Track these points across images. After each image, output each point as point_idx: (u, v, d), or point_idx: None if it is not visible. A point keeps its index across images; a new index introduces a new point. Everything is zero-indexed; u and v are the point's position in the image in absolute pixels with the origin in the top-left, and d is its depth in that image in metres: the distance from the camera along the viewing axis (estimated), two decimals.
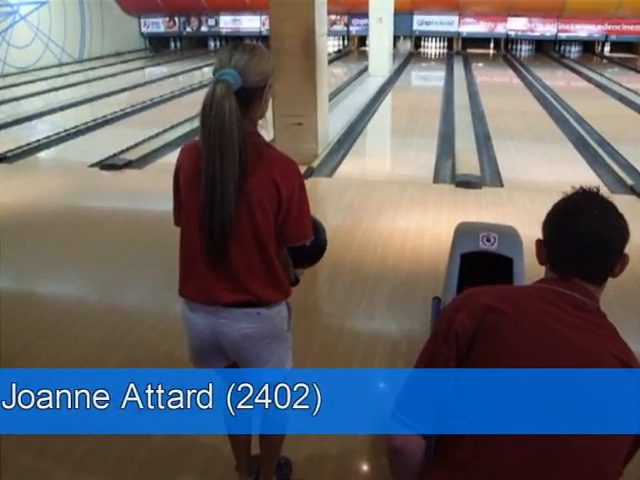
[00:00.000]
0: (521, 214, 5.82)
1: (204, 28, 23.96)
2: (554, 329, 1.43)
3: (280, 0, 7.25)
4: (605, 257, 1.49)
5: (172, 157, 9.40)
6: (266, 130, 2.11)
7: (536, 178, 7.11)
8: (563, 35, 21.72)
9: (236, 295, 2.06)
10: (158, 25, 23.91)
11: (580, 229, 1.48)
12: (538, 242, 1.60)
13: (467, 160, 7.60)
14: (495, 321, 1.46)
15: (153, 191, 6.84)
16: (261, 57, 2.00)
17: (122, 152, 8.28)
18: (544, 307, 1.47)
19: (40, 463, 2.89)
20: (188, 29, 24.03)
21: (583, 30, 21.61)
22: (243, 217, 1.98)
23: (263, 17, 21.81)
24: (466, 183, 6.74)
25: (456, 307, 1.55)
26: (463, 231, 3.29)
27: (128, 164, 7.73)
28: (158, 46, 23.86)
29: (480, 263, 3.06)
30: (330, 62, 17.11)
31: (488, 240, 3.12)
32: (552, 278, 1.55)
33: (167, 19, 23.84)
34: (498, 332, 1.45)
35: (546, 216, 1.57)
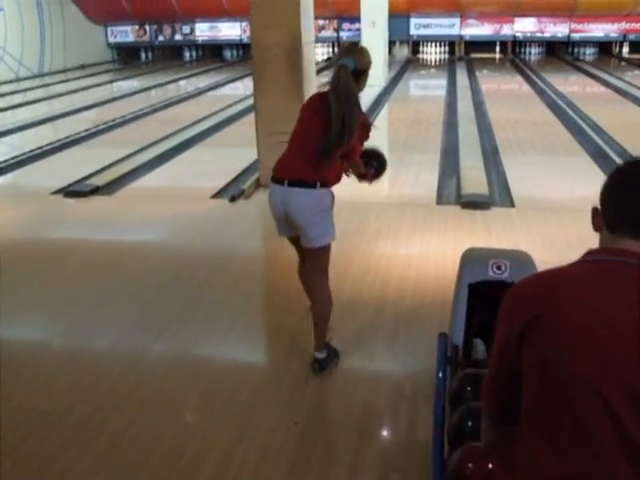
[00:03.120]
0: (535, 237, 5.87)
1: (178, 37, 24.16)
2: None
3: (262, 5, 7.35)
4: None
5: (145, 181, 9.50)
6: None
7: (551, 196, 7.18)
8: (577, 36, 21.97)
9: (299, 177, 3.67)
10: (127, 34, 24.10)
11: (631, 187, 1.69)
12: (594, 209, 1.78)
13: (473, 178, 7.67)
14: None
15: (124, 220, 6.86)
16: (364, 51, 3.79)
17: (89, 177, 8.32)
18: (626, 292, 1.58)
19: None
20: (160, 38, 24.23)
21: (598, 30, 21.85)
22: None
23: (244, 24, 22.02)
24: (473, 204, 6.80)
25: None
26: (470, 258, 3.31)
27: (95, 190, 7.76)
28: (127, 57, 24.04)
29: (490, 293, 3.08)
30: (319, 72, 17.17)
31: (499, 268, 3.14)
32: (615, 248, 1.67)
33: (137, 27, 24.04)
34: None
35: (603, 186, 1.77)
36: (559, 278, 1.68)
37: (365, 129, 3.75)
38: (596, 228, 1.78)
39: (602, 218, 1.75)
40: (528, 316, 1.62)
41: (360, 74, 3.69)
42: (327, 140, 3.59)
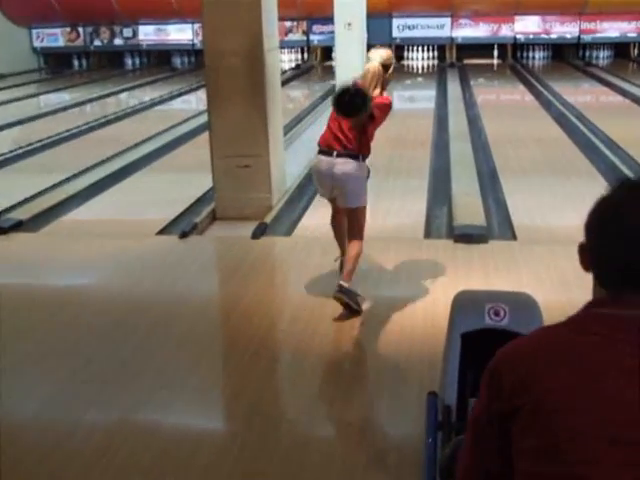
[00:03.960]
0: (541, 276, 5.95)
1: (118, 41, 24.29)
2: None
3: (215, 4, 7.45)
4: None
5: (79, 214, 9.46)
6: None
7: (559, 227, 7.27)
8: (588, 37, 22.37)
9: (344, 150, 5.35)
10: (56, 38, 24.19)
11: (626, 232, 1.60)
12: (581, 246, 1.72)
13: (468, 206, 7.76)
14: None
15: (53, 262, 6.85)
16: (388, 50, 5.55)
17: (9, 209, 8.29)
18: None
19: None
20: (97, 42, 24.35)
21: (613, 29, 22.26)
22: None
23: (196, 26, 22.14)
24: (467, 237, 6.87)
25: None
26: (464, 302, 3.34)
27: (18, 225, 7.73)
28: (57, 65, 24.10)
29: (487, 344, 3.11)
30: (285, 83, 17.43)
31: (497, 314, 3.18)
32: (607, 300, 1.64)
33: (68, 30, 24.13)
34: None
35: (587, 216, 1.70)
36: (545, 351, 1.61)
37: (379, 109, 5.36)
38: (585, 268, 1.72)
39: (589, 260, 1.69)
40: (510, 407, 1.58)
41: (387, 67, 5.43)
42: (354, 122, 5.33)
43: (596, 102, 16.41)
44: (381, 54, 5.48)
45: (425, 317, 5.30)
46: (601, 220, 1.64)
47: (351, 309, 5.31)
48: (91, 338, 5.23)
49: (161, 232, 7.49)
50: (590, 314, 1.64)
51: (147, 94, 18.31)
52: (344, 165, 5.38)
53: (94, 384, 4.59)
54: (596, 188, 7.16)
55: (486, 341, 3.09)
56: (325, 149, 5.49)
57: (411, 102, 17.05)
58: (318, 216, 7.29)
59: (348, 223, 5.62)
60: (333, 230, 5.96)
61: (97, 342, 5.17)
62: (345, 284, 5.30)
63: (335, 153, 5.40)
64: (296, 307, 5.77)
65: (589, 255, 1.68)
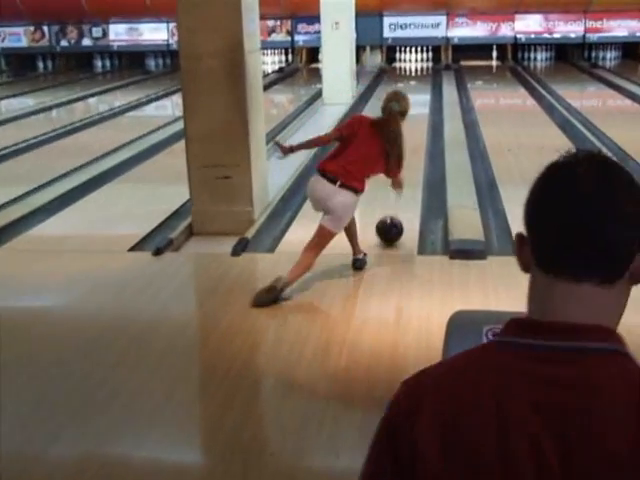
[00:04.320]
0: None
1: (87, 41, 24.32)
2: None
3: (191, 2, 7.48)
4: (606, 241, 1.37)
5: (44, 229, 9.42)
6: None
7: None
8: (593, 36, 22.51)
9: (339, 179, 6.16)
10: (19, 38, 24.20)
11: (569, 214, 1.38)
12: (519, 237, 1.49)
13: (465, 219, 7.79)
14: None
15: (16, 280, 6.83)
16: (407, 97, 6.59)
17: None
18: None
19: None
20: (64, 43, 24.36)
21: (621, 28, 22.40)
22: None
23: (172, 25, 22.16)
24: (464, 252, 6.89)
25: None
26: (460, 324, 3.35)
27: None
28: (20, 68, 24.08)
29: None
30: (268, 87, 17.46)
31: (495, 336, 3.20)
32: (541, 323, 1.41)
33: (32, 29, 24.12)
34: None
35: (528, 194, 1.48)
36: (433, 387, 1.43)
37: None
38: (524, 267, 1.51)
39: (530, 249, 1.46)
40: (397, 455, 1.43)
41: (403, 114, 6.34)
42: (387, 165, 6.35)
43: (603, 107, 16.50)
44: (400, 102, 6.39)
45: (419, 340, 5.31)
46: (541, 195, 1.42)
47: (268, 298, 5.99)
48: (58, 363, 5.21)
49: (133, 248, 7.48)
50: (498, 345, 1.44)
51: (118, 99, 18.32)
52: (343, 197, 6.14)
53: (60, 414, 4.57)
54: None
55: None
56: (330, 176, 6.19)
57: None
58: (303, 231, 7.28)
59: (314, 234, 6.26)
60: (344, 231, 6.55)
61: (64, 368, 5.16)
62: (283, 284, 6.02)
63: (338, 183, 6.13)
64: (280, 328, 5.78)
65: (527, 238, 1.45)
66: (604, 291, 1.38)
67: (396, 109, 6.30)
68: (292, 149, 6.50)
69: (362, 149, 6.19)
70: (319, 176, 6.23)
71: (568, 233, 1.38)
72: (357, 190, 6.20)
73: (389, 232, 7.21)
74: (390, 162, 6.31)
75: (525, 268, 1.52)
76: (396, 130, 6.29)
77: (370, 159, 6.24)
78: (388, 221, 7.22)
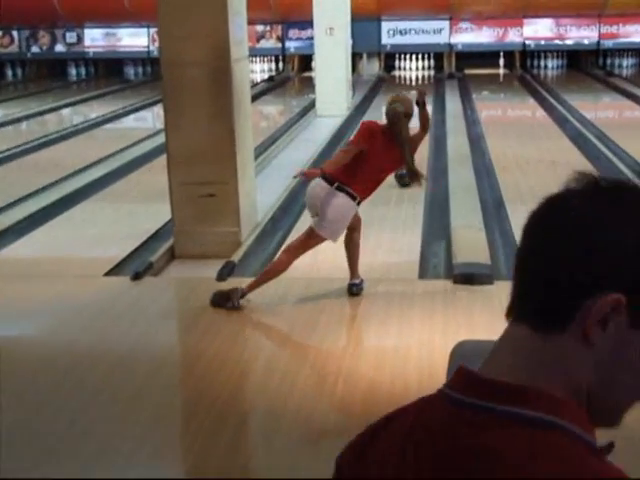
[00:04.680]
0: None
1: (60, 47, 24.35)
2: None
3: (173, 6, 7.50)
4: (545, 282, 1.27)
5: (13, 252, 9.34)
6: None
7: None
8: (609, 42, 22.60)
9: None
10: None
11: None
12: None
13: (470, 241, 7.80)
14: None
15: None
16: (410, 98, 6.90)
17: None
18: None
19: None
20: (35, 49, 24.39)
21: (638, 33, 22.45)
22: None
23: (153, 30, 22.22)
24: (469, 277, 6.89)
25: None
26: (463, 356, 3.35)
27: None
28: None
29: None
30: (257, 97, 17.50)
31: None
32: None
33: (0, 34, 24.11)
34: None
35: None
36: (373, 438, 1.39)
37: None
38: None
39: None
40: None
41: (407, 116, 6.52)
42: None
43: (620, 119, 16.56)
44: (404, 103, 6.65)
45: (420, 372, 5.30)
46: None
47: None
48: (25, 399, 5.19)
49: (110, 273, 7.47)
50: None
51: (94, 110, 18.35)
52: (337, 198, 6.34)
53: (25, 455, 4.54)
54: None
55: None
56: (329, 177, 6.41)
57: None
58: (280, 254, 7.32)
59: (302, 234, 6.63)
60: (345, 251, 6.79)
61: (32, 404, 5.13)
62: (241, 294, 6.37)
63: (336, 185, 6.35)
64: (270, 359, 5.78)
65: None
66: (540, 340, 1.24)
67: (400, 110, 6.49)
68: (324, 173, 6.51)
69: (376, 162, 6.43)
70: (320, 178, 6.43)
71: (516, 261, 1.31)
72: (355, 196, 6.37)
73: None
74: (411, 167, 6.68)
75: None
76: (405, 134, 6.50)
77: (384, 169, 6.62)
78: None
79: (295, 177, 7.56)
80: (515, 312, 1.28)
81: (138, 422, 4.90)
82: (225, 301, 6.36)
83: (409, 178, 7.05)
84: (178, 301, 7.35)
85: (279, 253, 6.53)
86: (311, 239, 6.44)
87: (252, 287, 6.41)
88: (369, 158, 6.36)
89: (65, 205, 9.83)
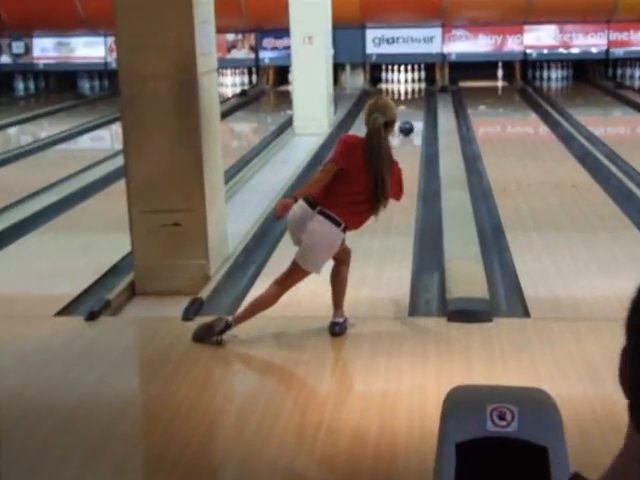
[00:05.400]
0: (561, 364, 5.97)
1: (6, 59, 24.36)
2: None
3: (132, 14, 7.51)
4: None
5: None
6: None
7: (585, 298, 7.34)
8: (619, 51, 22.74)
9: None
10: None
11: None
12: (623, 351, 1.39)
13: (465, 273, 7.83)
14: None
15: None
16: (391, 103, 6.86)
17: None
18: None
19: None
20: None
21: None
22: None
23: (110, 40, 22.22)
24: (465, 314, 6.89)
25: None
26: (459, 402, 3.37)
27: None
28: None
29: (489, 456, 3.13)
30: (228, 114, 17.54)
31: (502, 417, 3.21)
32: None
33: None
34: None
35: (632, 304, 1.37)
36: None
37: (400, 187, 6.66)
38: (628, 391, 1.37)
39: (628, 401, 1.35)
40: None
41: (389, 124, 6.52)
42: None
43: (632, 135, 16.64)
44: (384, 111, 6.56)
45: (411, 421, 5.30)
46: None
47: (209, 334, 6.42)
48: None
49: (62, 312, 7.44)
50: None
51: (45, 129, 18.34)
52: (319, 225, 6.33)
53: None
54: (632, 246, 7.30)
55: (488, 452, 3.12)
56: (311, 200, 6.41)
57: (391, 138, 17.15)
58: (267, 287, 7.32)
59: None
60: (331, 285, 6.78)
61: None
62: (226, 325, 6.40)
63: (318, 209, 6.34)
64: (244, 405, 5.77)
65: (631, 373, 1.34)
66: None
67: (380, 121, 6.43)
68: (295, 199, 6.49)
69: (357, 181, 6.37)
70: (301, 201, 6.39)
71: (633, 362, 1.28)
72: (340, 222, 6.32)
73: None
74: (380, 194, 6.39)
75: (626, 393, 1.37)
76: (380, 145, 6.42)
77: (359, 187, 6.40)
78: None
79: (278, 218, 7.15)
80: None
81: None
82: (208, 334, 6.39)
83: (378, 203, 6.61)
84: (139, 343, 7.33)
85: (269, 285, 6.47)
86: (296, 272, 6.43)
87: (240, 319, 6.44)
88: (349, 177, 6.36)
89: (11, 236, 9.79)
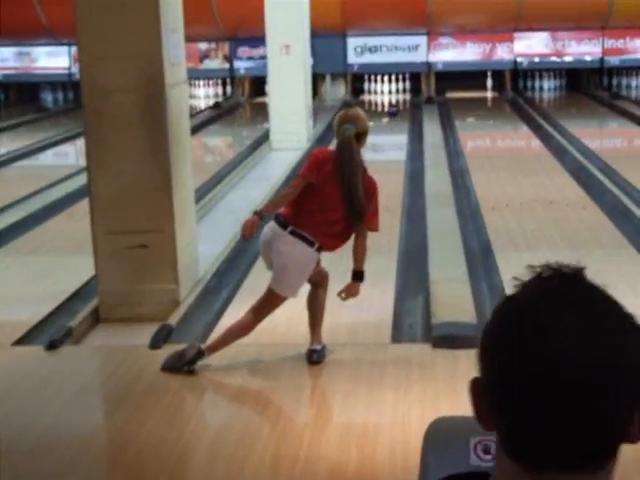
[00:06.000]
0: None
1: None
2: None
3: (94, 21, 7.51)
4: (603, 418, 1.29)
5: None
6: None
7: None
8: (614, 59, 22.88)
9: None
10: None
11: (544, 369, 1.28)
12: (474, 384, 1.44)
13: (451, 296, 7.84)
14: None
15: None
16: (362, 113, 6.79)
17: None
18: None
19: None
20: None
21: None
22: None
23: (74, 49, 22.22)
24: (451, 339, 6.92)
25: None
26: (441, 434, 3.37)
27: None
28: None
29: None
30: (200, 128, 17.59)
31: (486, 451, 3.21)
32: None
33: None
34: None
35: (483, 333, 1.40)
36: None
37: (375, 201, 6.55)
38: (487, 426, 1.41)
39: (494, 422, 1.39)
40: None
41: (361, 136, 6.54)
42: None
43: (628, 148, 16.71)
44: (356, 122, 6.57)
45: (393, 453, 5.31)
46: (508, 339, 1.33)
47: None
48: None
49: (21, 341, 7.43)
50: None
51: (4, 144, 18.31)
52: (291, 246, 6.37)
53: None
54: (630, 266, 7.36)
55: None
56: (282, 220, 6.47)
57: (374, 152, 17.10)
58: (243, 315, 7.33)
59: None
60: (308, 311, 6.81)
61: None
62: (198, 352, 6.39)
63: (289, 229, 6.37)
64: (215, 440, 5.76)
65: (489, 399, 1.38)
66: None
67: (351, 133, 6.46)
68: (261, 216, 6.56)
69: (326, 197, 6.41)
70: (273, 221, 6.48)
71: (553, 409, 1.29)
72: (313, 242, 6.37)
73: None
74: (353, 206, 6.38)
75: (486, 426, 1.41)
76: (352, 158, 6.43)
77: (332, 204, 6.41)
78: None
79: (245, 239, 7.07)
80: (557, 459, 1.30)
81: None
82: (179, 363, 6.41)
83: (352, 217, 6.52)
84: (104, 374, 7.30)
85: (245, 312, 6.48)
86: (271, 298, 6.48)
87: (213, 348, 6.46)
88: (321, 193, 6.40)
89: None
